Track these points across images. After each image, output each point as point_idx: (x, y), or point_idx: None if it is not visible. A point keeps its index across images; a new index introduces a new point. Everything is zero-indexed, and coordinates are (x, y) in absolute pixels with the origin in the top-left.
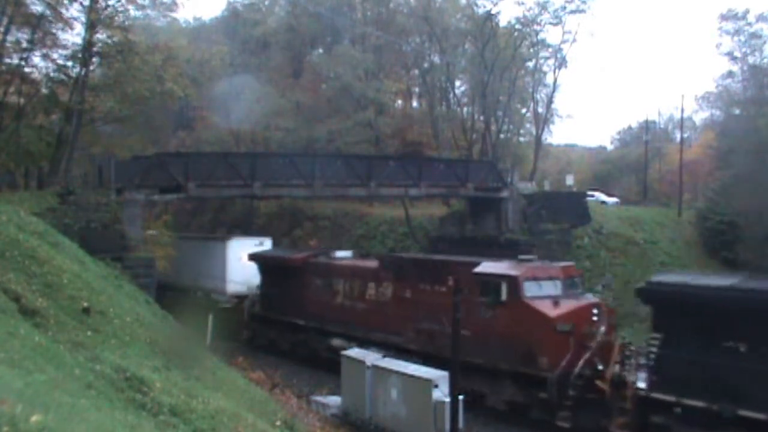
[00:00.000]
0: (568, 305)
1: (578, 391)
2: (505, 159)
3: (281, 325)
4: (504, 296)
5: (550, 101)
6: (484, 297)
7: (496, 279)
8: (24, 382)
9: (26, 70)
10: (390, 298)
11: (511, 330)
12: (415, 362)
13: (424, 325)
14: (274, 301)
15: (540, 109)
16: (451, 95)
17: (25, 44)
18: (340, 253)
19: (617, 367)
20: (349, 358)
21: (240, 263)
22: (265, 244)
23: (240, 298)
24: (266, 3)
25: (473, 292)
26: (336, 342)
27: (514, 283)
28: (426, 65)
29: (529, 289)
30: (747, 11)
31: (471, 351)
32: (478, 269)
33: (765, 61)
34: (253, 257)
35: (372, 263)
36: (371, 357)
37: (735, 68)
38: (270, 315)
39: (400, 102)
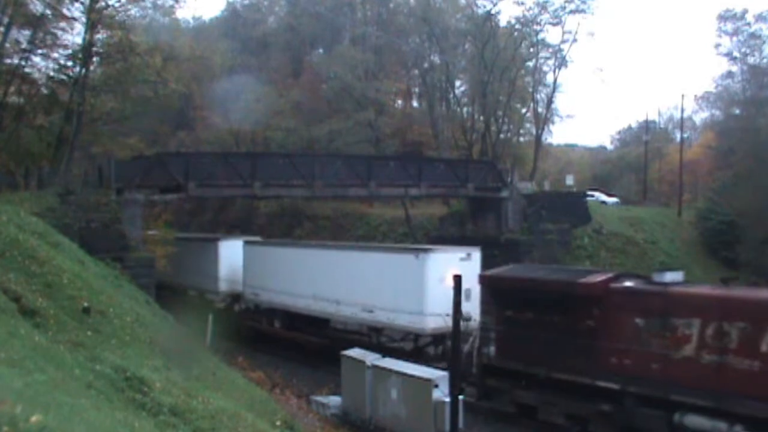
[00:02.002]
0: None
1: None
2: (505, 159)
3: (547, 385)
4: None
5: (550, 101)
6: None
7: None
8: (24, 382)
9: (26, 70)
10: None
11: None
12: None
13: None
14: (527, 347)
15: (540, 109)
16: (451, 95)
17: (25, 44)
18: (671, 276)
19: None
20: (349, 358)
21: (442, 287)
22: (474, 258)
23: (437, 336)
24: (266, 3)
25: None
26: (694, 420)
27: None
28: (426, 65)
29: None
30: (745, 11)
31: None
32: None
33: (764, 61)
34: (486, 280)
35: None
36: (371, 357)
37: (734, 68)
38: (518, 367)
39: (400, 102)
